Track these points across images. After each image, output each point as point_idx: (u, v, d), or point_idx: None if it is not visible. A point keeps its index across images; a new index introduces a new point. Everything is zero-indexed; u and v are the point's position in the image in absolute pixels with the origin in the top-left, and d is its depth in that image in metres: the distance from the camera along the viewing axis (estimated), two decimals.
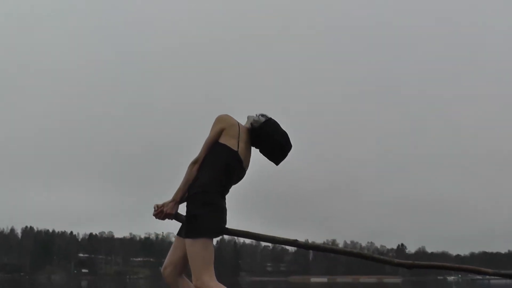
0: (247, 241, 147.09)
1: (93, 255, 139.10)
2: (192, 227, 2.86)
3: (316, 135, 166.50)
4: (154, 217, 2.99)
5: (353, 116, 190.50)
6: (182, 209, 3.03)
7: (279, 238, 3.02)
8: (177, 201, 2.96)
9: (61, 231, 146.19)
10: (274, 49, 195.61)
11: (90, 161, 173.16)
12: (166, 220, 2.98)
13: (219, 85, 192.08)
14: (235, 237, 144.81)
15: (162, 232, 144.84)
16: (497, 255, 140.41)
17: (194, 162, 3.00)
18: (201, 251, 2.83)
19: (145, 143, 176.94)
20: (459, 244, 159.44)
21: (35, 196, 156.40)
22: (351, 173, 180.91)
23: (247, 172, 3.17)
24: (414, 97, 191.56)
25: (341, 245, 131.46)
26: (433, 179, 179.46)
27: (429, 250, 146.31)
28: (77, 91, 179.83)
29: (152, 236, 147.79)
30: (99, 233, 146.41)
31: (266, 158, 3.23)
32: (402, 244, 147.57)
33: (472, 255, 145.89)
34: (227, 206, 3.03)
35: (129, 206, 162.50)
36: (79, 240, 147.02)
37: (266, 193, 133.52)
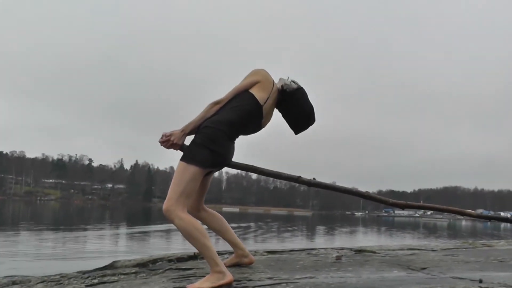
0: (161, 167, 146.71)
1: (2, 175, 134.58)
2: (188, 152, 2.88)
3: None
4: (160, 145, 2.94)
5: None
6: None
7: (284, 174, 3.18)
8: (186, 132, 2.95)
9: None
10: None
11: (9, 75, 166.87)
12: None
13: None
14: (149, 163, 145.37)
15: (76, 154, 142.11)
16: (403, 194, 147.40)
17: (216, 103, 3.01)
18: (187, 178, 2.83)
19: (65, 59, 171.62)
20: (368, 181, 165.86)
21: None
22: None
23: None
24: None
25: None
26: (345, 116, 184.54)
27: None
28: None
29: (65, 158, 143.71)
30: (10, 152, 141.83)
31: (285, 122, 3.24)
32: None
33: (380, 192, 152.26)
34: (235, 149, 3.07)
35: (44, 124, 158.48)
36: None
37: None
